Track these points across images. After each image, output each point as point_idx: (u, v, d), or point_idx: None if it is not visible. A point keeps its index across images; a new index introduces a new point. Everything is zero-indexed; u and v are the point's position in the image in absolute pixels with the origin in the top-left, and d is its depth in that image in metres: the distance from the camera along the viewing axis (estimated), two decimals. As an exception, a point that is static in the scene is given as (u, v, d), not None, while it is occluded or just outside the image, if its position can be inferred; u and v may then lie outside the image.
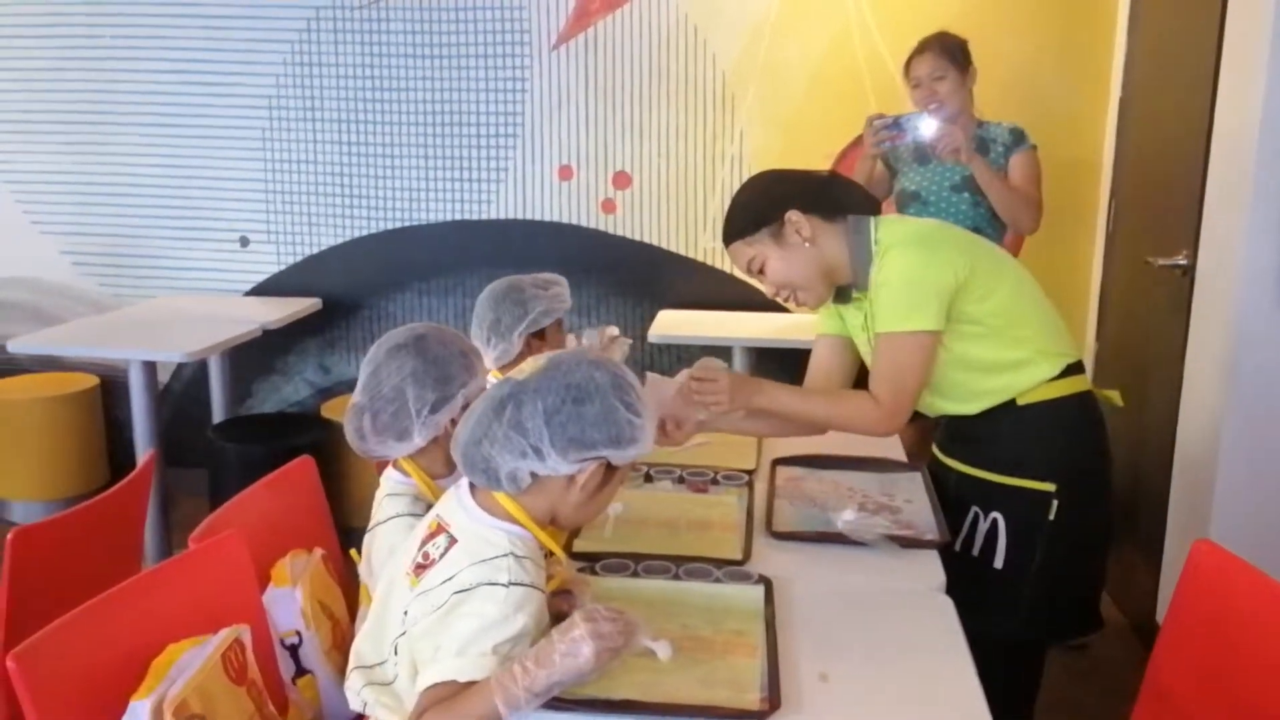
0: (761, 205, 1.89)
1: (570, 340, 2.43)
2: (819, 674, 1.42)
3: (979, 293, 1.82)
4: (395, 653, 1.39)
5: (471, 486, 1.42)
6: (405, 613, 1.37)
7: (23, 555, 1.81)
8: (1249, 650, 1.52)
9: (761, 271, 1.91)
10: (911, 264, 1.81)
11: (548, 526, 1.44)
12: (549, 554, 1.43)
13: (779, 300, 1.98)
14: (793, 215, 1.86)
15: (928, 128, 2.89)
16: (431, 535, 1.40)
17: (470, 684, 1.28)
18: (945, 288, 1.80)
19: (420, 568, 1.37)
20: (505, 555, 1.33)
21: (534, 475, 1.36)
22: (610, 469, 1.40)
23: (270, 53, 3.93)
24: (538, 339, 2.28)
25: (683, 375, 1.91)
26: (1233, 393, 2.57)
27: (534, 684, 1.26)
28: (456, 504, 1.42)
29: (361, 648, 1.45)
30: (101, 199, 4.12)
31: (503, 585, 1.31)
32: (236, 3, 3.90)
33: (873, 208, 1.92)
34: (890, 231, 1.87)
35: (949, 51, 2.96)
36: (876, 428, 1.89)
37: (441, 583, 1.33)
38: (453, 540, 1.37)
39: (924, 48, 2.99)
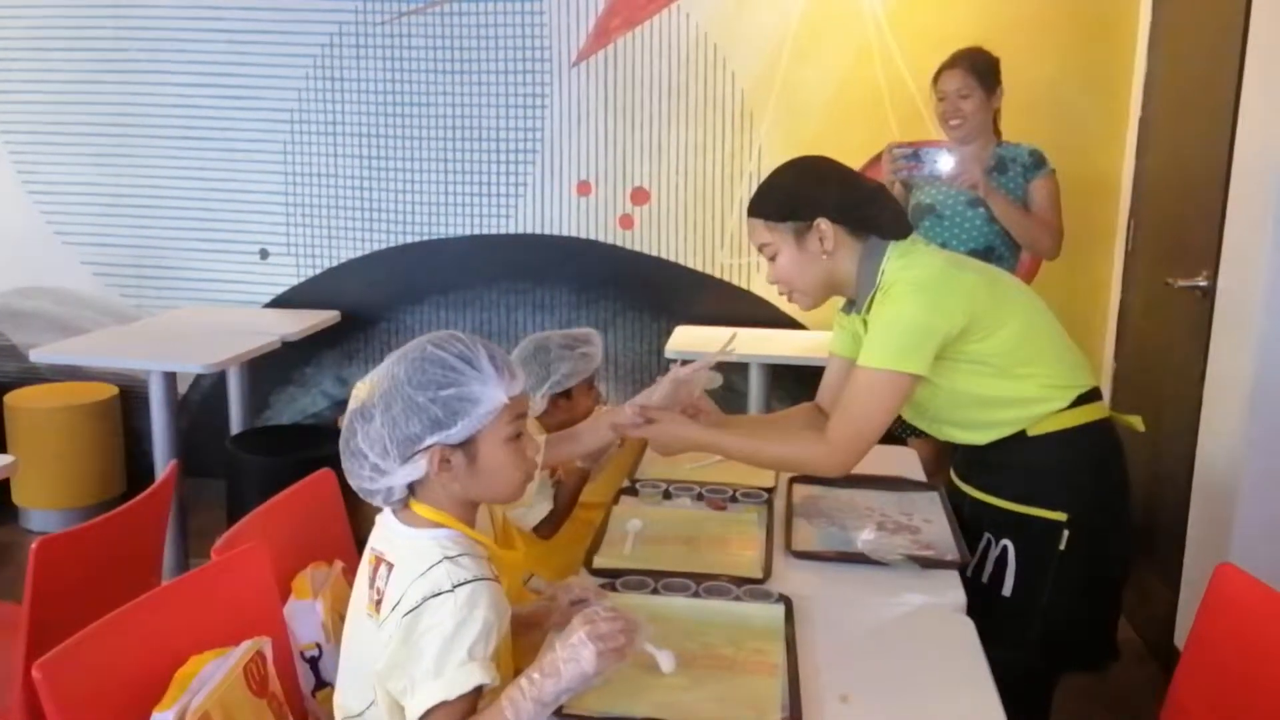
0: (797, 200, 1.86)
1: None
2: (840, 695, 1.42)
3: (979, 334, 1.80)
4: (375, 694, 1.37)
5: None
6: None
7: (46, 564, 1.82)
8: (1272, 676, 1.51)
9: (772, 259, 1.90)
10: (910, 306, 1.78)
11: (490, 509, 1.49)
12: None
13: (777, 289, 1.95)
14: (822, 224, 1.83)
15: (945, 164, 2.89)
16: (375, 569, 1.40)
17: (463, 699, 1.27)
18: (937, 335, 1.77)
19: (378, 604, 1.36)
20: (439, 562, 1.32)
21: (409, 487, 1.39)
22: (468, 445, 1.37)
23: (293, 67, 3.97)
24: (564, 398, 2.31)
25: (685, 372, 1.94)
26: (1254, 415, 2.55)
27: (541, 694, 1.26)
28: (385, 530, 1.43)
29: (345, 701, 1.44)
30: (124, 210, 4.16)
31: (448, 591, 1.29)
32: (260, 18, 3.94)
33: (902, 233, 1.88)
34: (899, 267, 1.82)
35: (977, 70, 2.96)
36: (828, 470, 1.88)
37: (392, 609, 1.32)
38: (390, 566, 1.37)
39: (954, 62, 2.99)
